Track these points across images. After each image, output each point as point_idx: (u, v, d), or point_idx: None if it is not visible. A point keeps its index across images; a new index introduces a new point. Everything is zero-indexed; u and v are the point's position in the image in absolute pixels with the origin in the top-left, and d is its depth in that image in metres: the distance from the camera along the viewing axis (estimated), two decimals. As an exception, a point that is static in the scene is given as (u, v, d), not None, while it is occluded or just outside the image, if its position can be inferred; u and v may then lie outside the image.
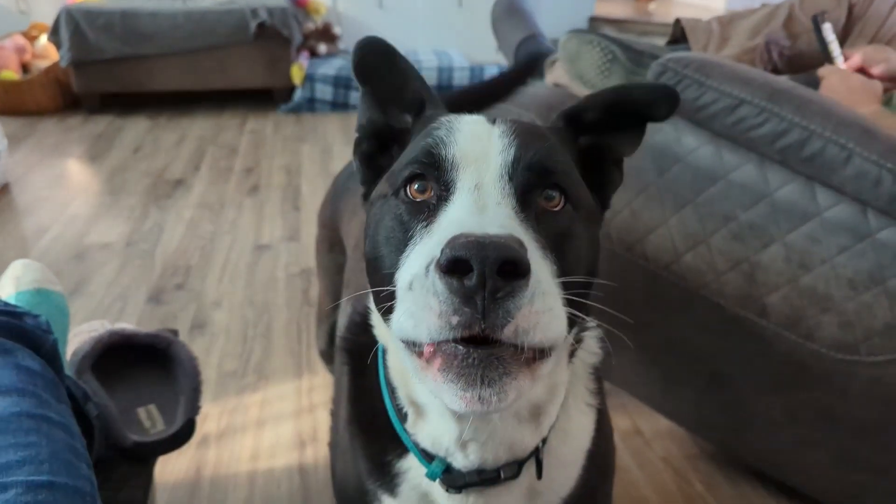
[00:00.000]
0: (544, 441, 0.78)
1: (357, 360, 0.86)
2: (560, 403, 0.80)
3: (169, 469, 1.65)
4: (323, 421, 1.84)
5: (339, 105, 4.76)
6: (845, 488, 1.46)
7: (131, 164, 3.73)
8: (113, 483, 0.92)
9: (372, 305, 0.81)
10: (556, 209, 0.69)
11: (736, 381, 1.51)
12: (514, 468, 0.76)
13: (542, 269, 0.59)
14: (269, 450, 1.74)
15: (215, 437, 1.78)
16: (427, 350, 0.58)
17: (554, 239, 0.66)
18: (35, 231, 2.92)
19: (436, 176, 0.68)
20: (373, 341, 0.82)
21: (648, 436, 1.80)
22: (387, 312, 0.64)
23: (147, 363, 1.07)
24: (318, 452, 1.73)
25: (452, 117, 0.74)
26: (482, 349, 0.56)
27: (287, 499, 1.60)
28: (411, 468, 0.80)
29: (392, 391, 0.79)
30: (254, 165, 3.75)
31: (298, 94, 4.72)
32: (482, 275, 0.52)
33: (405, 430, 0.77)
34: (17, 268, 1.02)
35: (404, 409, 0.77)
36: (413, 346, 0.60)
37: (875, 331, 1.25)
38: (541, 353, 0.59)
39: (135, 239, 2.88)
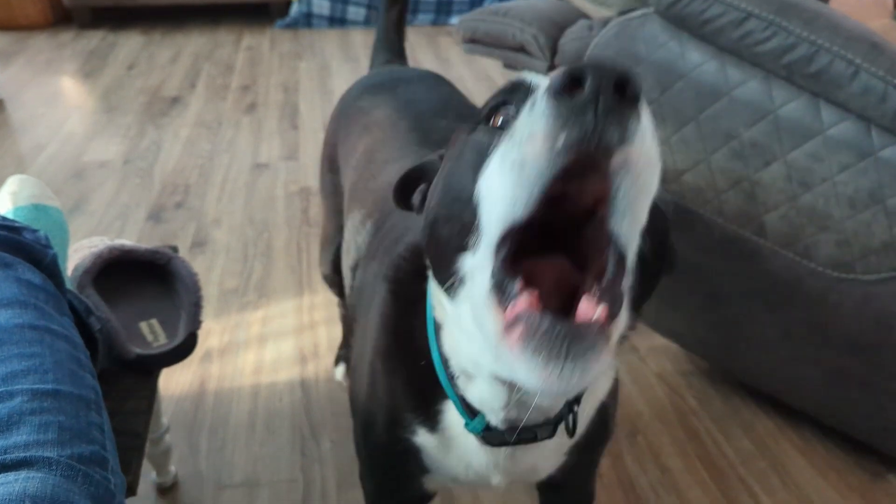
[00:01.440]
0: (578, 401, 0.77)
1: (403, 305, 0.83)
2: None
3: (174, 382, 1.69)
4: (323, 337, 1.87)
5: (336, 20, 4.64)
6: (835, 403, 1.50)
7: (126, 81, 3.67)
8: (118, 394, 0.94)
9: (431, 287, 0.75)
10: None
11: (732, 299, 1.52)
12: (549, 429, 0.75)
13: (648, 114, 0.53)
14: (272, 364, 1.77)
15: (218, 352, 1.81)
16: (510, 312, 0.53)
17: None
18: (32, 149, 2.90)
19: (521, 98, 0.61)
20: (421, 292, 0.80)
21: (643, 352, 1.84)
22: (453, 261, 0.60)
23: (148, 278, 1.08)
24: (319, 367, 1.77)
25: None
26: (567, 324, 0.51)
27: (290, 410, 1.64)
28: (451, 410, 0.79)
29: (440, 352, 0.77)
30: (250, 83, 3.69)
31: (295, 9, 4.60)
32: (597, 88, 0.47)
33: (449, 383, 0.76)
34: (13, 183, 1.01)
35: (455, 373, 0.75)
36: (501, 293, 0.54)
37: (872, 249, 1.26)
38: (613, 306, 0.53)
39: (132, 157, 2.86)
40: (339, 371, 1.71)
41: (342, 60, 4.05)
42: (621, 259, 0.53)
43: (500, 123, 0.63)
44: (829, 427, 1.57)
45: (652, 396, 1.71)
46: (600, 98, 0.47)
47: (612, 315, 0.53)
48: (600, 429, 0.89)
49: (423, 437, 0.83)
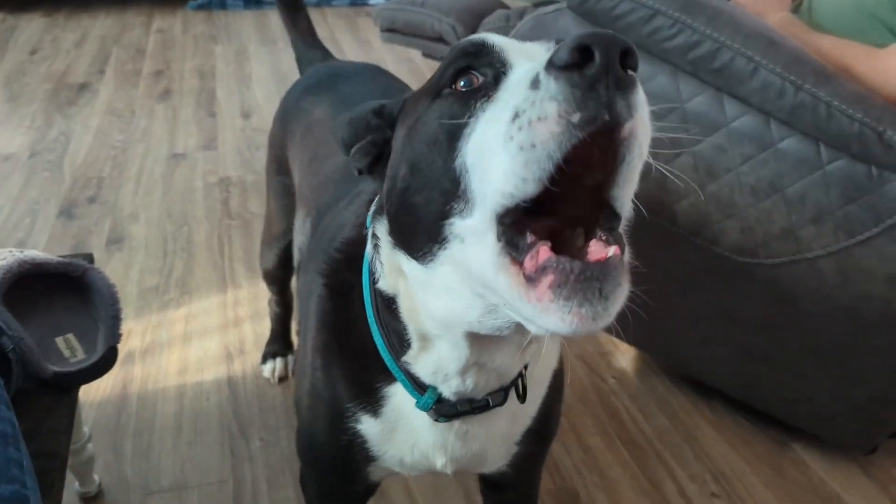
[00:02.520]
0: (526, 366, 0.78)
1: (340, 295, 0.84)
2: None
3: (95, 388, 1.65)
4: (249, 333, 1.85)
5: (252, 1, 4.53)
6: (743, 379, 1.58)
7: (29, 67, 3.50)
8: (35, 414, 0.91)
9: (390, 252, 0.72)
10: None
11: (648, 284, 1.58)
12: (500, 395, 0.77)
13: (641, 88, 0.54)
14: (197, 364, 1.75)
15: (140, 353, 1.77)
16: (530, 265, 0.54)
17: None
18: (-72, 143, 2.75)
19: (487, 62, 0.61)
20: (355, 279, 0.81)
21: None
22: (435, 228, 0.60)
23: (62, 291, 1.04)
24: (246, 364, 1.76)
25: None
26: (597, 264, 0.52)
27: (217, 410, 1.63)
28: (397, 394, 0.80)
29: (384, 325, 0.77)
30: (164, 68, 3.57)
31: (208, -10, 4.47)
32: (606, 62, 0.47)
33: (396, 362, 0.77)
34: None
35: (409, 341, 0.75)
36: (514, 250, 0.55)
37: (773, 235, 1.33)
38: (615, 238, 0.56)
39: (39, 149, 2.74)
40: (267, 368, 1.71)
41: (260, 43, 3.96)
42: (616, 215, 0.56)
43: (465, 88, 0.62)
44: (739, 401, 1.66)
45: (574, 377, 1.76)
46: (610, 71, 0.48)
47: (622, 250, 0.55)
48: (550, 416, 0.92)
49: (367, 424, 0.84)
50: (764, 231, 1.34)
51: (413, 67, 3.65)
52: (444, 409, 0.77)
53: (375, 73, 1.46)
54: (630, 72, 0.50)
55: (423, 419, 0.80)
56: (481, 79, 0.61)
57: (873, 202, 1.23)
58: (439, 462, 0.84)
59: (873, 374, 1.40)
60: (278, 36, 4.02)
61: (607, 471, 1.51)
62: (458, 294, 0.64)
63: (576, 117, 0.48)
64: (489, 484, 1.06)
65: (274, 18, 4.35)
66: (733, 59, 1.28)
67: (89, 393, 1.63)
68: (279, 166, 1.43)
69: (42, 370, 0.91)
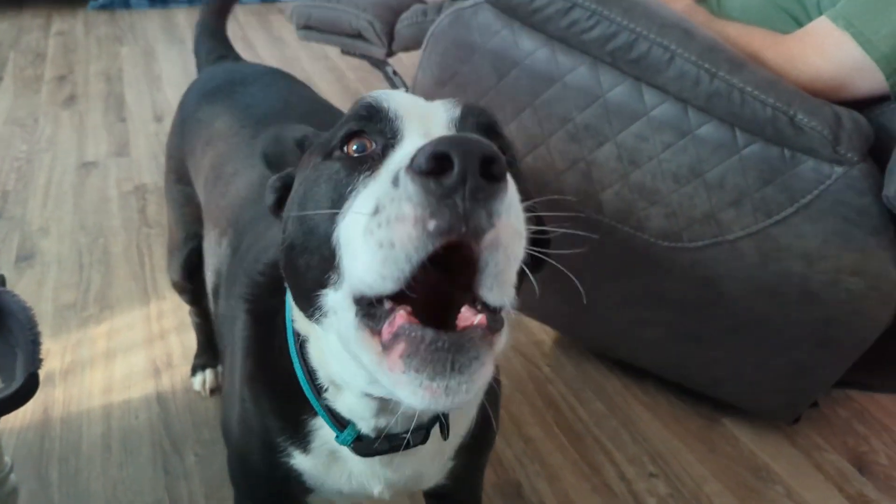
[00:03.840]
0: None
1: (262, 323, 0.82)
2: None
3: (13, 414, 1.55)
4: (176, 346, 1.79)
5: (157, 0, 4.37)
6: (673, 359, 1.63)
7: (-83, 75, 3.29)
8: (-48, 450, 0.86)
9: (290, 300, 0.73)
10: None
11: (578, 272, 1.61)
12: (421, 434, 0.76)
13: (514, 187, 0.53)
14: (123, 381, 1.68)
15: (60, 374, 1.69)
16: (386, 332, 0.52)
17: None
18: None
19: (378, 129, 0.62)
20: (279, 304, 0.78)
21: (500, 327, 1.90)
22: (313, 295, 0.59)
23: (-28, 317, 0.98)
24: (175, 378, 1.70)
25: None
26: (451, 333, 0.50)
27: (147, 428, 1.57)
28: (322, 427, 0.78)
29: (305, 365, 0.75)
30: (66, 72, 3.41)
31: (109, -11, 4.29)
32: (463, 172, 0.46)
33: (316, 397, 0.75)
34: None
35: (322, 385, 0.74)
36: (371, 321, 0.53)
37: (695, 219, 1.37)
38: (493, 320, 0.53)
39: (-65, 164, 2.58)
40: (197, 381, 1.65)
41: (167, 43, 3.83)
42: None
43: (356, 153, 0.62)
44: (670, 381, 1.71)
45: (509, 368, 1.78)
46: (467, 180, 0.47)
47: (493, 329, 0.53)
48: (484, 429, 0.91)
49: (299, 459, 0.83)
50: (686, 216, 1.38)
51: (330, 64, 3.60)
52: (362, 449, 0.76)
53: (276, 78, 1.40)
54: (494, 179, 0.48)
55: (351, 455, 0.79)
56: (373, 145, 0.61)
57: (787, 183, 1.28)
58: (376, 490, 0.84)
59: (794, 346, 1.46)
60: (187, 35, 3.89)
61: (548, 458, 1.53)
62: (346, 359, 0.63)
63: (431, 224, 0.47)
64: (431, 496, 1.06)
65: (181, 16, 4.22)
66: (650, 49, 1.30)
67: (7, 420, 1.54)
68: (179, 176, 1.37)
69: (-44, 403, 0.86)
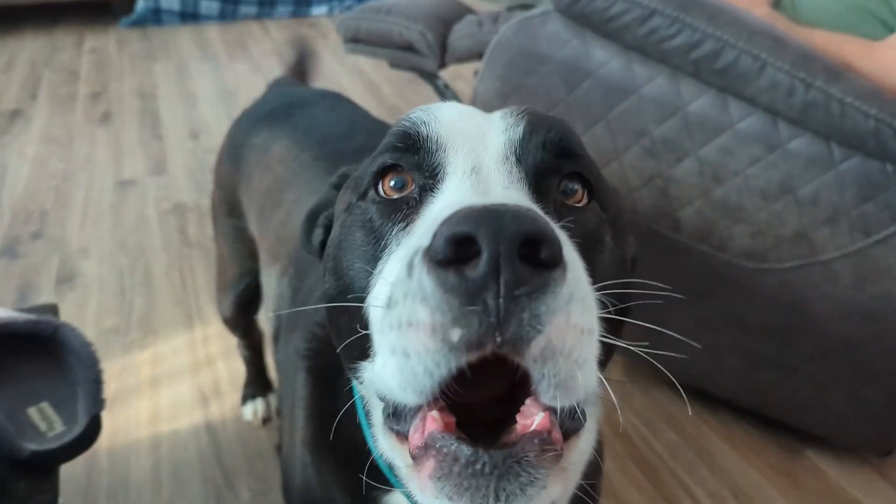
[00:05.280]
0: None
1: (324, 383, 0.72)
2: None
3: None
4: (224, 373, 1.72)
5: (188, 15, 4.35)
6: (753, 387, 1.53)
7: (-47, 95, 3.27)
8: (15, 502, 0.79)
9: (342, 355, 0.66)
10: (580, 205, 0.53)
11: (650, 295, 1.52)
12: None
13: (579, 266, 0.41)
14: (170, 410, 1.61)
15: (107, 402, 1.62)
16: (415, 439, 0.41)
17: (578, 244, 0.47)
18: None
19: (416, 162, 0.51)
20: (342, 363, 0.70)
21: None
22: (358, 358, 0.48)
23: (31, 353, 0.91)
24: (225, 406, 1.62)
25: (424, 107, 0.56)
26: (495, 451, 0.39)
27: (197, 460, 1.50)
28: (396, 501, 0.67)
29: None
30: (101, 90, 3.38)
31: (141, 5, 4.27)
32: (496, 258, 0.34)
33: (392, 470, 0.62)
34: None
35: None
36: (397, 422, 0.43)
37: (784, 238, 1.28)
38: (571, 422, 0.42)
39: (-28, 184, 2.54)
40: (248, 410, 1.58)
41: (201, 60, 3.79)
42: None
43: (394, 190, 0.51)
44: (744, 409, 1.60)
45: (572, 395, 1.69)
46: (501, 271, 0.35)
47: (566, 433, 0.41)
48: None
49: None
50: (775, 234, 1.29)
51: (365, 79, 3.55)
52: None
53: (336, 101, 1.31)
54: (542, 265, 0.36)
55: None
56: (413, 184, 0.51)
57: (890, 200, 1.19)
58: None
59: (888, 375, 1.36)
60: (220, 51, 3.86)
61: (623, 493, 1.44)
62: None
63: (454, 335, 0.36)
64: None
65: (213, 32, 4.19)
66: (738, 58, 1.22)
67: (53, 452, 1.48)
68: (230, 208, 1.28)
69: (17, 450, 0.79)
